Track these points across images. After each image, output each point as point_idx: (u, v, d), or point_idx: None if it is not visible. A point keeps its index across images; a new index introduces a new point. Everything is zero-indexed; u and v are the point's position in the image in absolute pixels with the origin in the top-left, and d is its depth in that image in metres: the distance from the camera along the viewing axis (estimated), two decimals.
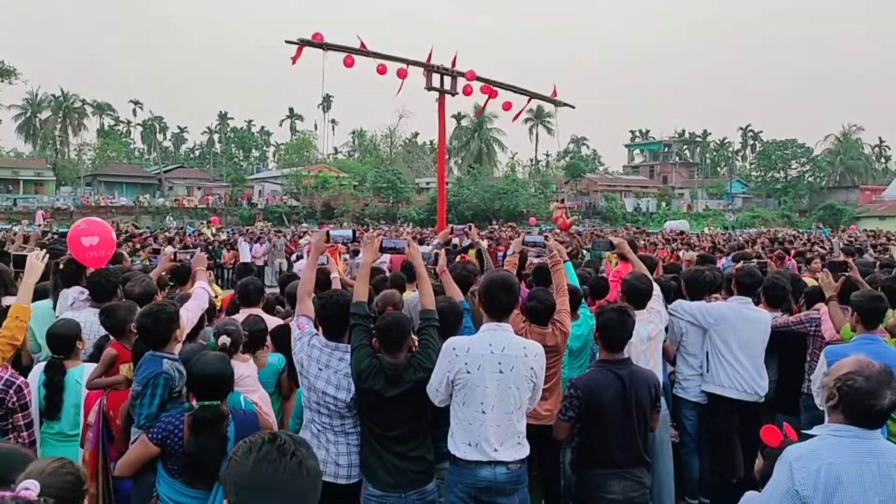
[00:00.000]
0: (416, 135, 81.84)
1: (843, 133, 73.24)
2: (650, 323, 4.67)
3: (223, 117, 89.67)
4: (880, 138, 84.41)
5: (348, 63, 11.73)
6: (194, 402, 3.18)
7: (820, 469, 2.32)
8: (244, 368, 3.96)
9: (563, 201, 15.51)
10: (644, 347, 4.57)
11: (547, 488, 4.66)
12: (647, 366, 4.48)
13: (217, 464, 3.11)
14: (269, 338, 4.61)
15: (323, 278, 5.63)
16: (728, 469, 4.94)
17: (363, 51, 11.72)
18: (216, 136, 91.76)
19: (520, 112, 14.03)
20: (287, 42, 11.44)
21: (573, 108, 14.16)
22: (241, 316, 4.73)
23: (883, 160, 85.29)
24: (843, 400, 2.39)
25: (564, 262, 4.90)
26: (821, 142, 72.86)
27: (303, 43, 11.44)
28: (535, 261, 6.16)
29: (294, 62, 11.59)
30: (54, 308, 5.14)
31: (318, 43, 11.42)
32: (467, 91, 12.66)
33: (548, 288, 4.73)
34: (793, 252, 12.10)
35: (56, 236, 15.81)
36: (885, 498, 2.29)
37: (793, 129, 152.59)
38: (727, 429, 4.93)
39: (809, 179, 66.42)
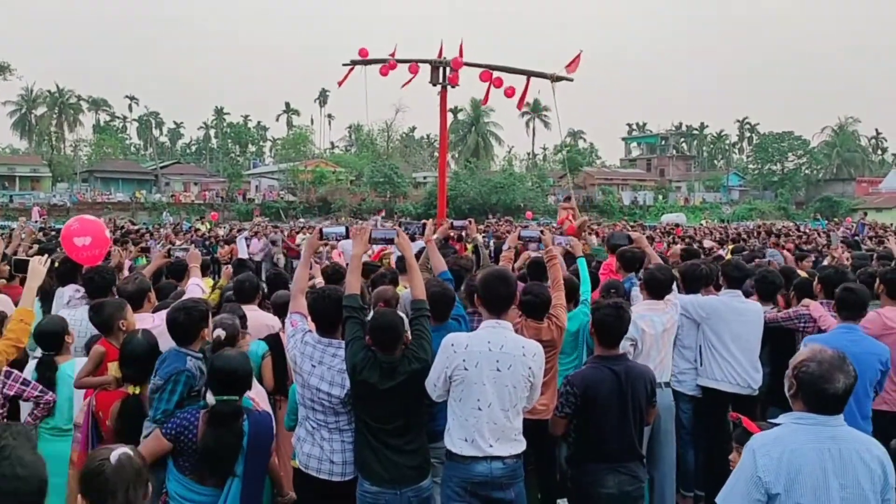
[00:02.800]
0: (413, 129, 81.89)
1: (839, 125, 73.27)
2: (665, 314, 4.70)
3: (219, 112, 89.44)
4: (877, 130, 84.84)
5: (384, 73, 12.30)
6: (210, 398, 3.19)
7: (782, 456, 2.40)
8: None
9: (569, 199, 12.35)
10: (658, 337, 4.59)
11: (543, 482, 4.67)
12: (658, 356, 4.56)
13: (232, 459, 3.14)
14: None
15: (332, 272, 5.62)
16: (723, 462, 4.95)
17: (393, 58, 12.31)
18: (212, 132, 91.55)
19: (523, 96, 13.12)
20: (344, 65, 12.43)
21: (571, 80, 13.01)
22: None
23: (879, 152, 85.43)
24: (800, 387, 2.50)
25: (578, 257, 5.19)
26: (817, 134, 72.98)
27: (355, 63, 12.31)
28: (533, 255, 6.16)
29: (340, 85, 12.61)
30: (42, 306, 5.15)
31: (365, 60, 12.32)
32: (453, 80, 12.57)
33: (543, 282, 4.73)
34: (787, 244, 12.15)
35: (54, 232, 15.78)
36: (845, 482, 2.37)
37: (789, 121, 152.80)
38: (722, 422, 4.93)
39: (806, 172, 66.33)
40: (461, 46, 12.49)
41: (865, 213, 26.52)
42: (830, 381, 2.43)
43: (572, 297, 5.04)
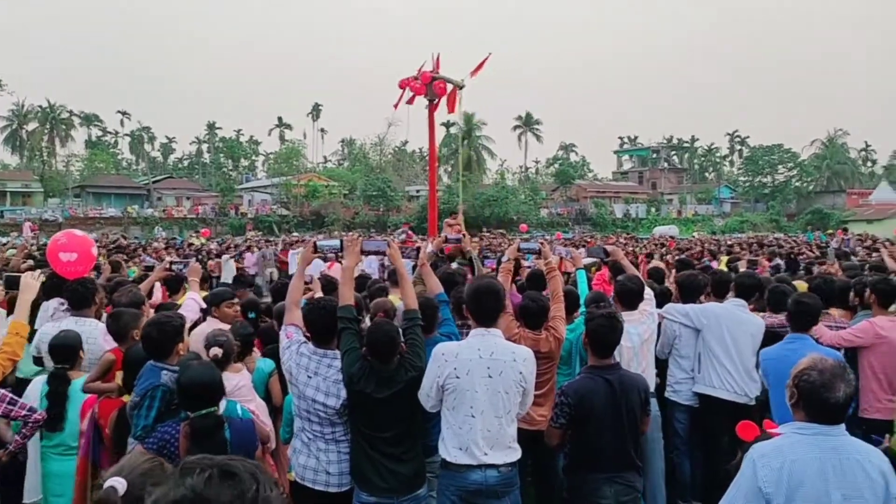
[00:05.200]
0: (406, 143, 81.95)
1: (828, 138, 73.80)
2: (642, 324, 4.70)
3: (211, 127, 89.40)
4: (866, 142, 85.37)
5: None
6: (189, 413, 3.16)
7: (782, 466, 2.38)
8: (238, 378, 3.96)
9: (454, 216, 10.55)
10: (637, 349, 4.59)
11: (541, 492, 4.66)
12: (639, 367, 4.52)
13: None
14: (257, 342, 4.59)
15: (325, 283, 5.63)
16: (720, 471, 4.95)
17: (419, 74, 12.63)
18: (205, 146, 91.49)
19: (452, 99, 12.85)
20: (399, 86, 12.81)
21: (463, 86, 12.80)
22: (217, 325, 4.68)
23: (869, 164, 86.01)
24: (802, 396, 2.48)
25: (577, 269, 5.32)
26: (807, 147, 73.42)
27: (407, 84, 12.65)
28: (526, 264, 6.16)
29: (396, 108, 13.08)
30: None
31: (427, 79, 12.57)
32: (420, 91, 12.74)
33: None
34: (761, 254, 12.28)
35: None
36: (847, 492, 2.35)
37: (779, 134, 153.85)
38: (719, 430, 4.94)
39: (797, 184, 66.70)
40: (437, 60, 12.67)
41: (847, 230, 26.90)
42: (832, 389, 2.41)
43: (574, 308, 5.05)
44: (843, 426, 2.47)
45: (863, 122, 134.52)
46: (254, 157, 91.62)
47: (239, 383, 3.87)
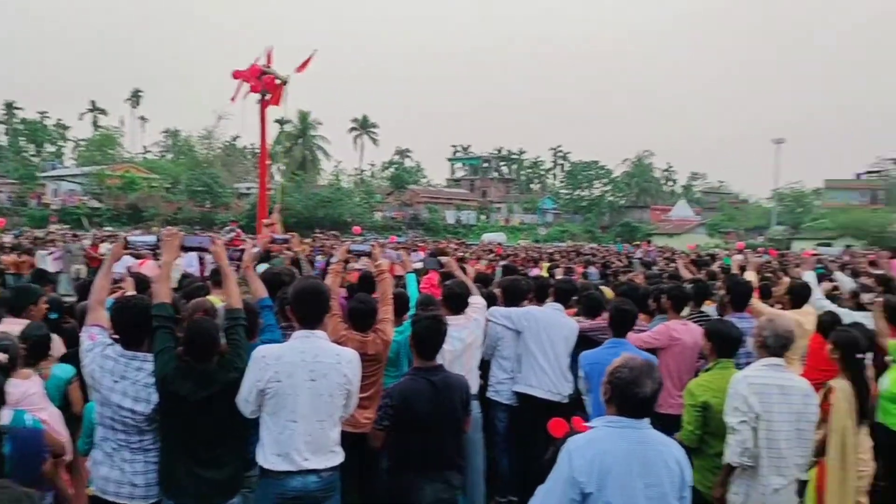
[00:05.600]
0: (237, 137, 78.62)
1: (637, 157, 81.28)
2: (465, 328, 4.84)
3: (10, 107, 79.83)
4: (668, 164, 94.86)
5: (257, 89, 12.55)
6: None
7: (594, 457, 2.58)
8: (28, 384, 3.59)
9: (271, 216, 10.49)
10: (459, 353, 4.72)
11: (365, 494, 4.65)
12: (462, 370, 4.62)
13: None
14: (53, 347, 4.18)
15: (138, 281, 5.26)
16: (536, 466, 5.23)
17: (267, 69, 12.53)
18: (1, 128, 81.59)
19: (278, 94, 12.94)
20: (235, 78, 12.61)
21: (287, 81, 12.97)
22: (15, 326, 4.19)
23: (671, 183, 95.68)
24: (614, 392, 2.70)
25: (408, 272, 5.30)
26: (619, 164, 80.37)
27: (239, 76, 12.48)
28: (357, 266, 6.14)
29: (234, 101, 12.85)
30: None
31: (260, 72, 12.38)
32: (255, 89, 12.60)
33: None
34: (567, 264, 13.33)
35: None
36: (649, 480, 2.59)
37: (596, 151, 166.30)
38: (535, 427, 5.21)
39: (610, 198, 72.78)
40: (270, 54, 12.50)
41: (651, 242, 29.90)
42: (640, 385, 2.64)
43: (404, 310, 5.10)
44: (648, 420, 2.71)
45: (666, 144, 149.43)
46: (61, 143, 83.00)
47: (28, 390, 3.50)
